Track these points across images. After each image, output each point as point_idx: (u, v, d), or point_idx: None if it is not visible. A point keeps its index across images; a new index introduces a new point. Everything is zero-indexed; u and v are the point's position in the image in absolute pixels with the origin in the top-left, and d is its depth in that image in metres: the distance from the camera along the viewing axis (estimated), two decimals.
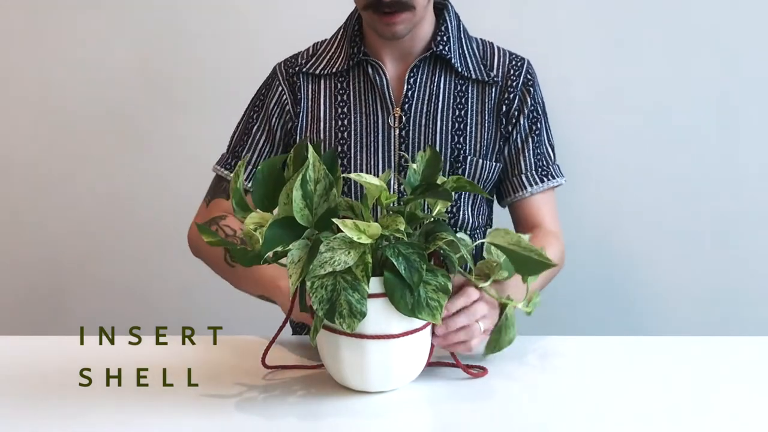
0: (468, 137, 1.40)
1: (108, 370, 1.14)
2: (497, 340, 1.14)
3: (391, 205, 1.07)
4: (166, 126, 2.13)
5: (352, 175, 1.01)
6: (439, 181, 1.06)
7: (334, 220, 0.97)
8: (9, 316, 2.21)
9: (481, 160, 1.41)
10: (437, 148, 1.39)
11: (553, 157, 1.47)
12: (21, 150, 2.16)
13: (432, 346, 1.08)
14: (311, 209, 0.99)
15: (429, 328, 1.06)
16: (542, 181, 1.44)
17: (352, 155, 1.40)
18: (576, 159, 2.00)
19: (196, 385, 1.09)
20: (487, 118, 1.42)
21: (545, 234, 1.40)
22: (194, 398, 1.05)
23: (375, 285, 0.99)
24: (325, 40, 1.48)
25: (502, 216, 1.51)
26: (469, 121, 1.41)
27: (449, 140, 1.39)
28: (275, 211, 1.04)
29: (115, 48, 2.10)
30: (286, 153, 1.40)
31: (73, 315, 2.20)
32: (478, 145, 1.41)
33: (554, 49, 2.01)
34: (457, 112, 1.41)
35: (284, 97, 1.44)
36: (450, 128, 1.40)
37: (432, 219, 1.06)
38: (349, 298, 0.96)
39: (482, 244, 1.12)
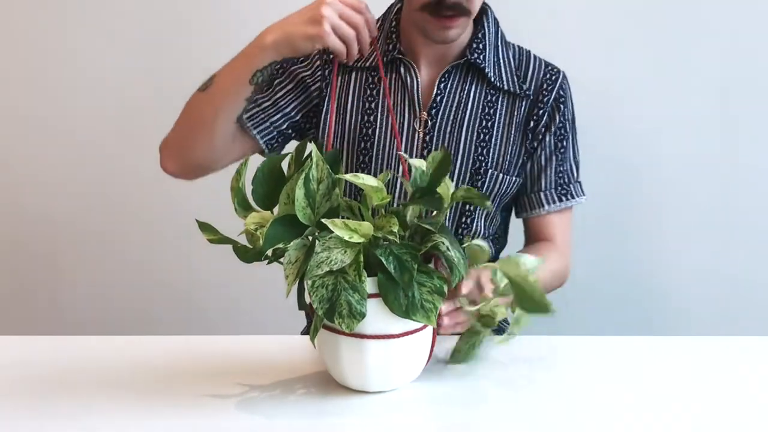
0: (492, 150, 1.38)
1: (108, 371, 1.14)
2: (467, 352, 1.14)
3: (387, 206, 1.06)
4: (168, 126, 2.13)
5: (348, 176, 1.00)
6: (451, 190, 1.05)
7: (323, 220, 0.96)
8: (9, 316, 2.21)
9: (501, 175, 1.38)
10: (460, 158, 1.37)
11: (576, 175, 1.45)
12: (21, 149, 2.16)
13: (432, 345, 1.08)
14: (313, 208, 0.99)
15: (429, 328, 1.06)
16: (560, 200, 1.43)
17: (374, 153, 1.37)
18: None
19: (196, 385, 1.09)
20: (513, 131, 1.39)
21: (551, 249, 1.40)
22: (194, 398, 1.05)
23: (374, 285, 0.99)
24: None
25: (519, 225, 1.51)
26: (495, 133, 1.38)
27: (472, 151, 1.37)
28: (275, 210, 1.04)
29: (116, 47, 2.10)
30: (303, 128, 1.41)
31: (72, 315, 2.20)
32: (501, 159, 1.39)
33: (554, 48, 2.01)
34: (483, 123, 1.38)
35: (318, 72, 1.39)
36: (475, 139, 1.37)
37: (429, 222, 1.05)
38: (349, 299, 0.96)
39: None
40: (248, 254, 1.03)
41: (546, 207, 1.42)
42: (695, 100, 2.02)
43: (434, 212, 1.06)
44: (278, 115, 1.38)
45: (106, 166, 2.15)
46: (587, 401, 1.05)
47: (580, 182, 1.46)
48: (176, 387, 1.09)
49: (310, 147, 1.05)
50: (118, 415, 1.01)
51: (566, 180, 1.43)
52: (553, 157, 1.42)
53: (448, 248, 1.01)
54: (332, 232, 0.96)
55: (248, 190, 1.08)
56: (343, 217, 1.01)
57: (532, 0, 2.01)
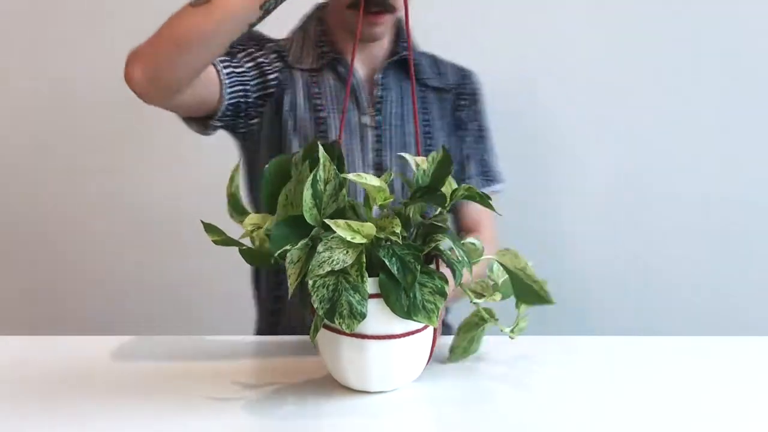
0: (435, 142, 1.45)
1: (108, 371, 1.14)
2: (467, 348, 1.15)
3: (389, 206, 1.05)
4: (167, 125, 2.12)
5: (351, 176, 1.00)
6: (453, 187, 1.05)
7: (326, 220, 0.97)
8: (9, 316, 2.21)
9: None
10: (411, 151, 1.42)
11: (496, 163, 1.54)
12: (21, 148, 2.16)
13: (433, 345, 1.08)
14: (320, 209, 0.99)
15: (430, 328, 1.05)
16: (485, 186, 1.51)
17: None
18: (576, 158, 2.00)
19: (196, 385, 1.09)
20: (447, 124, 1.48)
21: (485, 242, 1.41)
22: (193, 399, 1.05)
23: (376, 285, 0.99)
24: (283, 39, 1.47)
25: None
26: (433, 125, 1.46)
27: (420, 144, 1.42)
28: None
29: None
30: (248, 114, 1.41)
31: (73, 315, 2.20)
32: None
33: (553, 49, 2.01)
34: (423, 117, 1.46)
35: (276, 63, 1.43)
36: (421, 131, 1.45)
37: (430, 221, 1.05)
38: (350, 299, 0.96)
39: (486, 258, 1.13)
40: (254, 257, 1.03)
41: None
42: (695, 101, 2.03)
43: (437, 211, 1.06)
44: (240, 87, 1.39)
45: (107, 166, 2.15)
46: (587, 401, 1.05)
47: (500, 171, 1.55)
48: (176, 387, 1.08)
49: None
50: (118, 415, 1.01)
51: (489, 167, 1.53)
52: (478, 146, 1.52)
53: (450, 248, 1.01)
54: (335, 232, 0.96)
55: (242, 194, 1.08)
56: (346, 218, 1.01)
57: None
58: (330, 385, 1.08)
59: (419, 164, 1.06)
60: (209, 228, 1.09)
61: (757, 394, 1.07)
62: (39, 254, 2.20)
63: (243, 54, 1.41)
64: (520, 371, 1.14)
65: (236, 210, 1.08)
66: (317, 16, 1.48)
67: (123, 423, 0.99)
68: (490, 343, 1.19)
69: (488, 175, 1.53)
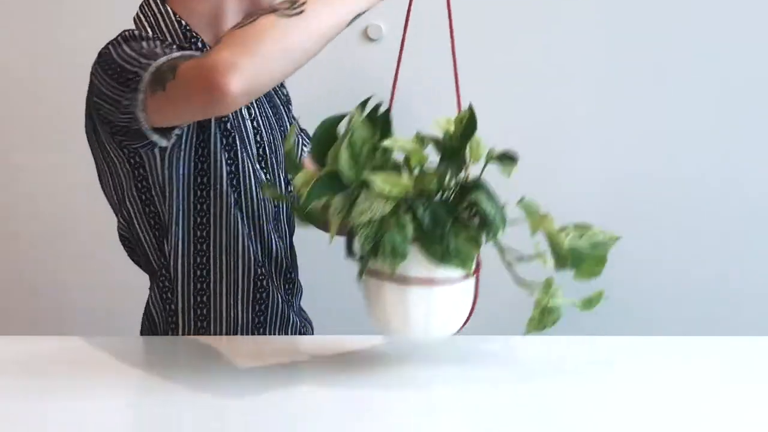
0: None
1: (109, 371, 1.14)
2: (540, 320, 1.07)
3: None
4: None
5: (386, 143, 1.02)
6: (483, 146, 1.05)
7: (365, 175, 1.00)
8: (9, 316, 2.21)
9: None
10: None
11: None
12: (20, 147, 2.16)
13: (475, 300, 1.08)
14: (358, 167, 1.02)
15: (471, 280, 1.06)
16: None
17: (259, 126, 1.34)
18: (576, 158, 2.00)
19: (194, 385, 1.09)
20: None
21: None
22: (193, 399, 1.05)
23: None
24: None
25: None
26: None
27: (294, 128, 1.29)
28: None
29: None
30: None
31: (72, 315, 2.20)
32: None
33: (553, 49, 2.01)
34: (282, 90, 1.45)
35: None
36: (290, 114, 1.43)
37: (466, 180, 1.05)
38: (393, 238, 0.98)
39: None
40: (298, 211, 1.08)
41: None
42: (692, 101, 2.03)
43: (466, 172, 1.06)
44: None
45: None
46: (587, 401, 1.05)
47: None
48: (175, 387, 1.08)
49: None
50: (118, 415, 1.01)
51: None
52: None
53: (484, 203, 1.02)
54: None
55: None
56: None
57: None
58: (328, 385, 1.08)
59: (445, 127, 1.06)
60: (265, 186, 1.25)
61: (757, 394, 1.07)
62: (39, 254, 2.20)
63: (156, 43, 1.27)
64: (520, 371, 1.14)
65: (290, 167, 1.14)
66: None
67: (124, 422, 0.99)
68: (492, 343, 1.19)
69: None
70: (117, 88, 1.13)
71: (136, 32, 1.22)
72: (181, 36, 1.25)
